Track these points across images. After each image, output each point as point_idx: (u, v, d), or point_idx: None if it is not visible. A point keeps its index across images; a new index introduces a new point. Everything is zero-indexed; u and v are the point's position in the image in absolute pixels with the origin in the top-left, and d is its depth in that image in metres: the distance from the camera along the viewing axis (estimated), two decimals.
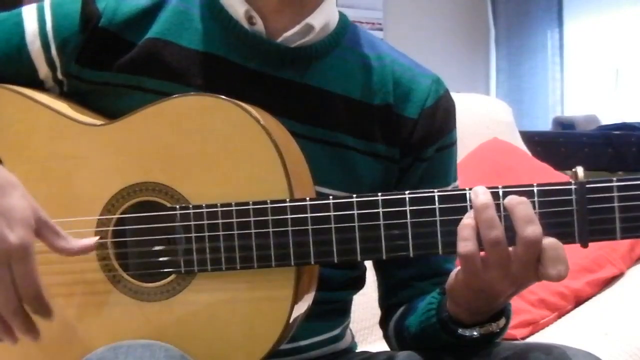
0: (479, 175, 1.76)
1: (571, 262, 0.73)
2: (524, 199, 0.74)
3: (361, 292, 1.03)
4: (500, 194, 0.75)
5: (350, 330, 1.07)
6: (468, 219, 0.74)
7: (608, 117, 4.58)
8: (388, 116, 0.94)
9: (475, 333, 0.84)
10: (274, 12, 0.91)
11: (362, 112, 0.93)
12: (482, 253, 0.75)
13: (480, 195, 0.74)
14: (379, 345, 1.10)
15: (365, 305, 1.31)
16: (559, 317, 1.58)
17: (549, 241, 0.73)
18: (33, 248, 0.72)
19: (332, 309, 0.98)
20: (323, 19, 0.92)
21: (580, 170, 0.74)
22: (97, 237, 0.80)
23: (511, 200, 0.74)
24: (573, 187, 0.74)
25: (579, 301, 1.61)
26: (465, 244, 0.74)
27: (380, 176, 0.95)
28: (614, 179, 0.73)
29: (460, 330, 0.84)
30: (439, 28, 5.45)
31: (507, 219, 0.74)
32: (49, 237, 0.75)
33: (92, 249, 0.78)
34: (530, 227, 0.72)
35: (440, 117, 0.96)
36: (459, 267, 0.81)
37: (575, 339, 1.36)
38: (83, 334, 0.84)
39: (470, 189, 0.75)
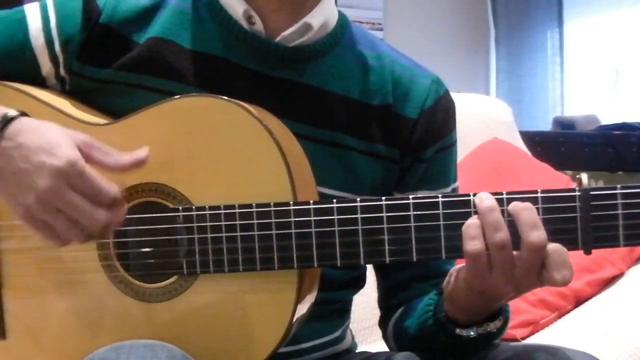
0: (479, 175, 1.76)
1: (571, 262, 0.74)
2: (528, 204, 0.74)
3: (361, 292, 1.03)
4: (504, 199, 0.75)
5: (350, 330, 1.07)
6: (473, 219, 0.74)
7: (608, 117, 4.57)
8: (387, 116, 0.94)
9: (472, 333, 0.84)
10: (273, 11, 0.91)
11: (361, 112, 0.93)
12: None
13: (484, 199, 0.74)
14: (379, 345, 1.10)
15: (365, 305, 1.31)
16: (559, 317, 1.58)
17: (554, 246, 0.73)
18: (82, 162, 0.72)
19: (333, 309, 0.98)
20: (322, 18, 0.92)
21: (584, 177, 0.74)
22: (148, 147, 0.78)
23: (516, 205, 0.74)
24: (577, 194, 0.74)
25: (579, 301, 1.61)
26: (474, 242, 0.74)
27: (380, 176, 0.95)
28: (618, 186, 0.74)
29: (457, 330, 0.84)
30: (439, 28, 5.44)
31: (511, 224, 0.74)
32: (97, 157, 0.76)
33: (144, 162, 0.78)
34: (535, 233, 0.72)
35: (440, 118, 0.96)
36: (456, 267, 0.81)
37: (575, 339, 1.36)
38: (85, 334, 0.84)
39: (474, 195, 0.76)
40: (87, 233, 0.74)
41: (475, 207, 0.75)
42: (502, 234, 0.73)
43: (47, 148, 0.72)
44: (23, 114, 0.77)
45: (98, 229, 0.74)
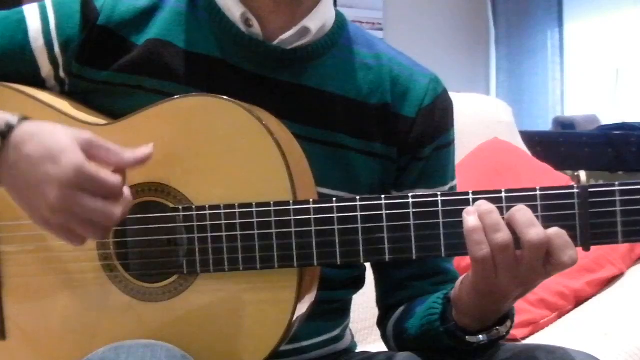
0: (479, 175, 1.76)
1: None
2: (521, 205, 0.74)
3: (361, 292, 1.03)
4: (503, 197, 0.75)
5: (350, 330, 1.07)
6: (474, 222, 0.74)
7: (608, 117, 4.58)
8: (385, 115, 0.94)
9: (481, 338, 0.84)
10: (269, 13, 0.91)
11: (359, 111, 0.93)
12: None
13: (482, 204, 0.75)
14: (379, 345, 1.10)
15: (365, 305, 1.31)
16: (559, 317, 1.58)
17: (554, 231, 0.73)
18: (87, 166, 0.72)
19: (333, 308, 0.98)
20: (319, 21, 0.92)
21: (582, 175, 0.74)
22: (152, 145, 0.78)
23: (509, 211, 0.74)
24: (575, 191, 0.74)
25: (579, 301, 1.61)
26: (481, 247, 0.74)
27: (378, 175, 0.95)
28: (616, 183, 0.74)
29: (467, 338, 0.84)
30: (439, 28, 5.45)
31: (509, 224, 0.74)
32: (100, 156, 0.75)
33: (147, 159, 0.77)
34: (533, 230, 0.72)
35: (438, 116, 0.96)
36: (461, 277, 0.81)
37: (575, 339, 1.36)
38: (85, 334, 0.84)
39: (473, 193, 0.75)
40: (103, 228, 0.74)
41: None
42: (503, 234, 0.73)
43: (51, 157, 0.72)
44: (23, 117, 0.77)
45: (114, 223, 0.74)
